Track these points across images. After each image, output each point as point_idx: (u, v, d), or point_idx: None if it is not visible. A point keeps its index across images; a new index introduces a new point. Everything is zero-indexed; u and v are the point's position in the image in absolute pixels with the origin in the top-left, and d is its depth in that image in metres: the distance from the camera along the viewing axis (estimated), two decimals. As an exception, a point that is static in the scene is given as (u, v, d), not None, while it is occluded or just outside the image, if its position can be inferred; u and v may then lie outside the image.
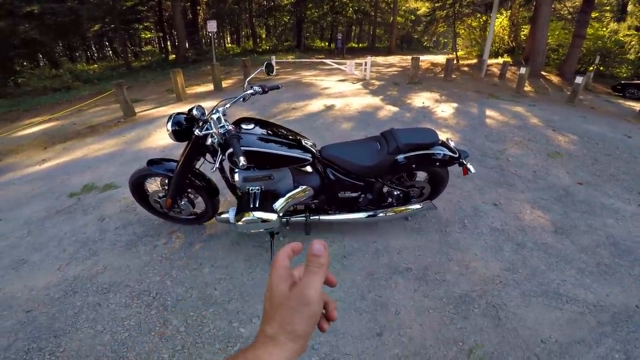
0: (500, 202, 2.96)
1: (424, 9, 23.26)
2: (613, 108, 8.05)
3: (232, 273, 2.14)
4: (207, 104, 6.55)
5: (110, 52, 25.68)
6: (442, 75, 10.38)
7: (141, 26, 20.93)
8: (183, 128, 1.92)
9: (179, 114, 1.97)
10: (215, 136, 1.79)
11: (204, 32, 20.82)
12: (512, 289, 2.04)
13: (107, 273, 2.15)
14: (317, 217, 2.28)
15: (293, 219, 2.26)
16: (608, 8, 19.26)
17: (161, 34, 21.92)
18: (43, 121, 6.82)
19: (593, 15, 12.40)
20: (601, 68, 11.09)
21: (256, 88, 2.15)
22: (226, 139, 1.79)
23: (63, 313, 1.86)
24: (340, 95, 7.19)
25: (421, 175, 2.51)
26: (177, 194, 2.24)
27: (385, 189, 2.35)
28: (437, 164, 2.19)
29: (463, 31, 20.50)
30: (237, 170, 1.97)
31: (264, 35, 28.67)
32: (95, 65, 19.86)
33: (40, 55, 20.82)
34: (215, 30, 11.02)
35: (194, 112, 1.92)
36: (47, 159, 4.52)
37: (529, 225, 2.66)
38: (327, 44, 27.39)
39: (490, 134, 4.67)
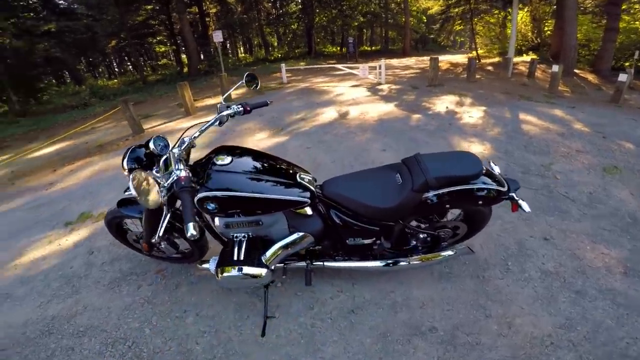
0: (552, 236, 2.42)
1: (436, 7, 22.52)
2: (663, 107, 7.18)
3: (218, 325, 1.86)
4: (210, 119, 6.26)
5: (131, 66, 26.41)
6: (464, 75, 9.71)
7: (155, 40, 21.34)
8: (144, 165, 1.55)
9: (137, 147, 1.59)
10: (161, 187, 1.27)
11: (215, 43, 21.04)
12: (566, 353, 1.58)
13: (86, 314, 2.04)
14: (320, 263, 1.87)
15: (291, 265, 1.87)
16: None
17: (174, 47, 22.26)
18: (58, 140, 6.76)
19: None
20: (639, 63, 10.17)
21: (235, 107, 1.76)
22: (174, 191, 1.34)
23: (36, 355, 1.81)
24: (354, 102, 6.74)
25: (454, 210, 1.98)
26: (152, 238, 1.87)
27: (408, 230, 1.87)
28: (480, 202, 1.67)
29: (481, 28, 19.62)
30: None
31: (275, 44, 28.70)
32: (115, 81, 20.40)
33: (67, 73, 21.66)
34: (221, 40, 10.89)
35: (151, 145, 1.50)
36: (54, 183, 4.44)
37: (590, 266, 2.13)
38: (338, 48, 27.03)
39: (530, 144, 4.07)
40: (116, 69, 28.40)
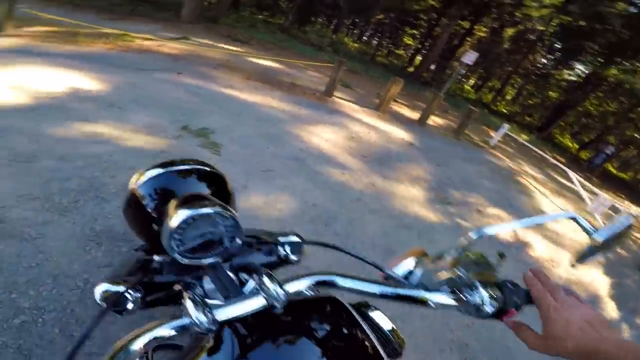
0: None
1: None
2: None
3: None
4: (400, 135, 5.53)
5: (375, 40, 28.57)
6: None
7: (410, 30, 21.89)
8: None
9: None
10: None
11: (457, 62, 19.90)
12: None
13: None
14: None
15: None
16: None
17: (419, 46, 22.37)
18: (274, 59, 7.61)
19: None
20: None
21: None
22: None
23: None
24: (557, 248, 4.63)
25: None
26: None
27: None
28: None
29: None
30: None
31: (509, 97, 25.14)
32: (355, 45, 22.41)
33: (325, 17, 25.28)
34: (470, 63, 9.68)
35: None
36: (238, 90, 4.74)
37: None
38: (577, 146, 21.35)
39: None
40: (356, 32, 31.12)
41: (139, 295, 0.57)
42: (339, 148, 4.09)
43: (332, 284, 0.51)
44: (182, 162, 0.76)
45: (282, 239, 0.72)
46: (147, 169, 0.72)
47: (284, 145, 3.59)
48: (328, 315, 0.55)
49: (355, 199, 3.07)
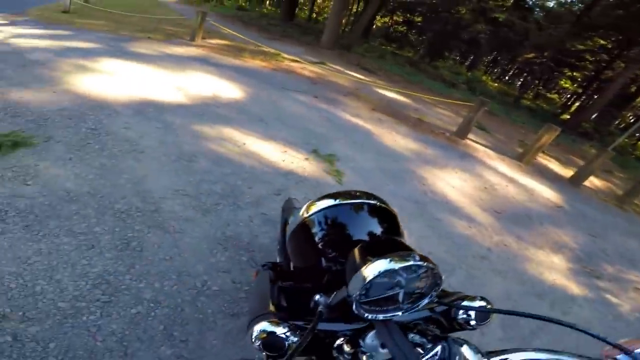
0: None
1: None
2: None
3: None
4: (545, 193, 4.48)
5: (520, 80, 25.43)
6: None
7: (568, 73, 18.54)
8: None
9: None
10: None
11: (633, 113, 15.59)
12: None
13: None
14: None
15: None
16: None
17: (580, 90, 18.61)
18: (401, 92, 7.49)
19: None
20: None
21: None
22: None
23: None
24: None
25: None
26: None
27: None
28: None
29: None
30: None
31: None
32: (495, 84, 20.43)
33: (460, 53, 23.99)
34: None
35: None
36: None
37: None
38: None
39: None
40: (497, 70, 28.18)
41: (295, 340, 0.48)
42: (468, 198, 3.52)
43: None
44: (355, 195, 0.72)
45: (467, 303, 0.59)
46: (320, 199, 0.70)
47: (404, 185, 3.31)
48: None
49: (480, 257, 2.57)
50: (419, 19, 21.09)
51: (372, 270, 0.46)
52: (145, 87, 3.65)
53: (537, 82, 22.77)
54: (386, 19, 24.93)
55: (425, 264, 0.48)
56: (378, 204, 0.73)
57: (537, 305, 2.30)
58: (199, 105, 3.56)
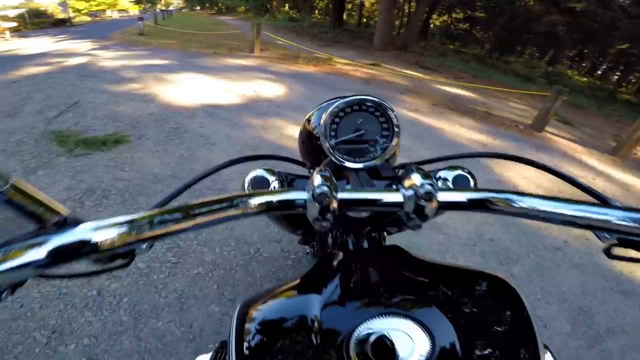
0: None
1: None
2: None
3: None
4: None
5: (617, 74, 21.76)
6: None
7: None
8: None
9: None
10: None
11: None
12: None
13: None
14: None
15: None
16: None
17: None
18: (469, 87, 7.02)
19: None
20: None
21: None
22: None
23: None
24: None
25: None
26: None
27: None
28: None
29: None
30: None
31: None
32: (584, 79, 17.91)
33: (535, 48, 21.50)
34: None
35: None
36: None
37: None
38: None
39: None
40: (585, 64, 24.43)
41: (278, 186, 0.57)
42: (543, 190, 3.12)
43: (503, 202, 0.35)
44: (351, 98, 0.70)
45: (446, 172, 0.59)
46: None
47: (468, 175, 3.08)
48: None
49: (554, 248, 2.26)
50: (483, 14, 19.65)
51: (333, 108, 0.55)
52: (214, 94, 4.10)
53: (638, 74, 19.20)
54: (445, 17, 23.82)
55: (374, 99, 0.55)
56: (371, 98, 0.69)
57: (623, 305, 1.91)
58: (260, 106, 3.86)
